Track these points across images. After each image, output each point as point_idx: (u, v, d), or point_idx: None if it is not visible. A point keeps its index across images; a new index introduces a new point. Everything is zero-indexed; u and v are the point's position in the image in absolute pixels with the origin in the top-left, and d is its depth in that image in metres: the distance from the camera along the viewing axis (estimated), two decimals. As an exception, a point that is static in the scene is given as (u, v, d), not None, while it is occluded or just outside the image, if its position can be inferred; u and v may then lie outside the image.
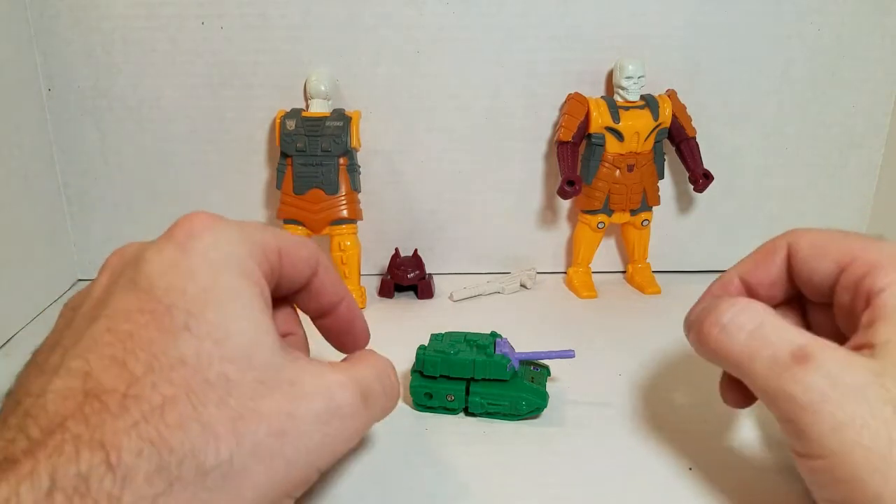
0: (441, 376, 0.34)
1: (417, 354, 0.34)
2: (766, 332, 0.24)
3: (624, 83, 0.48)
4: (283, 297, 0.28)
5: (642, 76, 0.48)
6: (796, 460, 0.24)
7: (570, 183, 0.47)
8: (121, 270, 0.23)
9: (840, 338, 0.26)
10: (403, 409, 0.35)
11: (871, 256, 0.25)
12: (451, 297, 0.50)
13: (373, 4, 0.48)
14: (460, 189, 0.52)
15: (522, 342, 0.37)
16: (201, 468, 0.19)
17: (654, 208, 0.51)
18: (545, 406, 0.34)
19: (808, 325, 0.30)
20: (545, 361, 0.37)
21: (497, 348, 0.34)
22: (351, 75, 0.49)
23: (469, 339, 0.35)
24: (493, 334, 0.35)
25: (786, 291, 0.29)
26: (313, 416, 0.22)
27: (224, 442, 0.20)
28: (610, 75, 0.49)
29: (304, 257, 0.27)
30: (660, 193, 0.51)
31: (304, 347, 0.30)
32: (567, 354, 0.35)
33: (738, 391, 0.28)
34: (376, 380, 0.26)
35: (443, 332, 0.36)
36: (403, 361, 0.39)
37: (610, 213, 0.50)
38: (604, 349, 0.42)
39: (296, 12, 0.48)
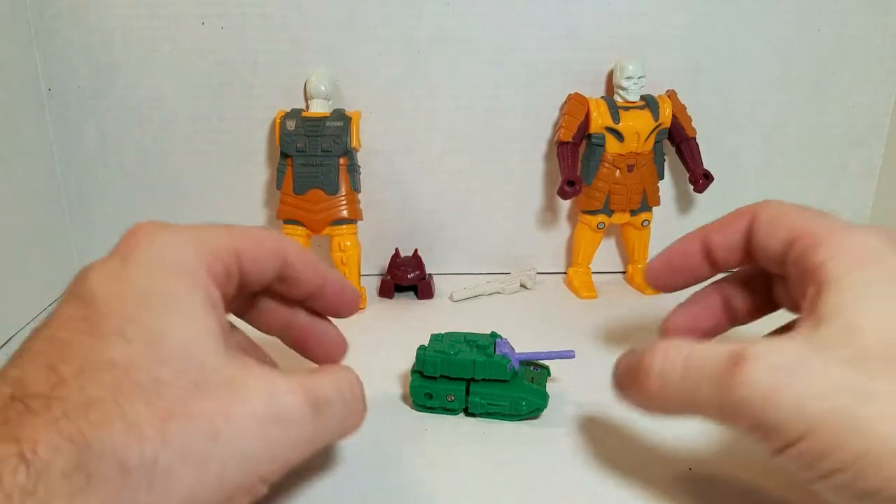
0: (441, 376, 0.34)
1: (417, 355, 0.34)
2: (695, 358, 0.24)
3: (624, 83, 0.48)
4: (261, 292, 0.29)
5: (642, 76, 0.48)
6: (784, 461, 0.23)
7: (571, 183, 0.47)
8: (69, 287, 0.23)
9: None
10: (403, 409, 0.35)
11: (816, 230, 0.25)
12: (451, 298, 0.50)
13: (373, 4, 0.48)
14: (460, 189, 0.52)
15: (522, 342, 0.37)
16: (123, 466, 0.19)
17: (655, 209, 0.51)
18: (545, 406, 0.34)
19: (772, 299, 0.30)
20: (545, 362, 0.37)
21: (497, 349, 0.34)
22: (351, 75, 0.49)
23: (469, 340, 0.35)
24: (493, 335, 0.35)
25: (742, 259, 0.29)
26: (251, 420, 0.22)
27: (150, 442, 0.19)
28: (610, 75, 0.49)
29: (267, 250, 0.27)
30: (660, 194, 0.51)
31: (263, 357, 0.30)
32: (567, 355, 0.35)
33: None
34: (334, 391, 0.25)
35: (443, 332, 0.36)
36: (403, 362, 0.39)
37: (610, 213, 0.50)
38: (604, 349, 0.42)
39: (296, 12, 0.48)
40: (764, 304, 0.31)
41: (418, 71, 0.49)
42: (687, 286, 0.32)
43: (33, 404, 0.19)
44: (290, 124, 0.47)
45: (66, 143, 0.50)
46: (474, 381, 0.34)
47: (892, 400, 0.21)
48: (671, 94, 0.49)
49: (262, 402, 0.22)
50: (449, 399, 0.34)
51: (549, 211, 0.53)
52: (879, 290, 0.23)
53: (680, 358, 0.24)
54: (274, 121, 0.49)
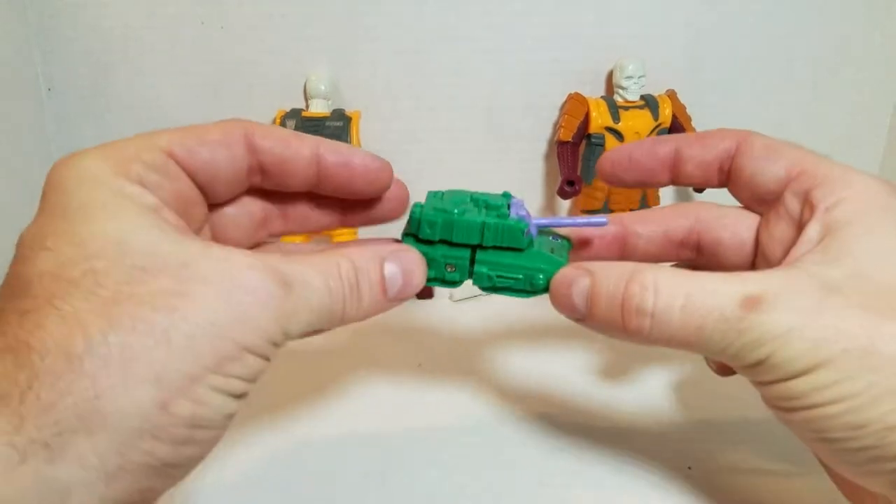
0: (441, 241, 0.27)
1: (412, 214, 0.28)
2: (698, 298, 0.23)
3: (624, 83, 0.48)
4: (252, 190, 0.27)
5: (642, 76, 0.48)
6: (781, 391, 0.22)
7: (570, 183, 0.47)
8: None
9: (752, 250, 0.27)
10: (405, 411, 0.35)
11: (822, 169, 0.25)
12: (451, 298, 0.49)
13: (373, 4, 0.47)
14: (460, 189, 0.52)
15: (523, 342, 0.37)
16: (70, 356, 0.18)
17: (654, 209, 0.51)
18: None
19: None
20: (567, 231, 0.31)
21: (512, 210, 0.28)
22: (351, 75, 0.49)
23: (476, 199, 0.29)
24: (506, 195, 0.30)
25: (712, 178, 0.29)
26: (211, 293, 0.20)
27: (94, 327, 0.18)
28: (610, 75, 0.49)
29: (211, 138, 0.24)
30: (659, 194, 0.51)
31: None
32: (598, 222, 0.29)
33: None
34: (317, 274, 0.23)
35: (442, 190, 0.30)
36: (403, 365, 0.39)
37: (610, 213, 0.50)
38: (604, 349, 0.41)
39: (296, 12, 0.48)
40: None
41: (418, 71, 0.49)
42: (635, 186, 0.31)
43: None
44: (290, 124, 0.47)
45: (66, 143, 0.50)
46: (482, 248, 0.28)
47: None
48: (671, 94, 0.49)
49: (221, 279, 0.20)
50: (449, 269, 0.28)
51: (549, 211, 0.53)
52: (890, 235, 0.23)
53: (678, 297, 0.23)
54: (274, 120, 0.49)
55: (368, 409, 0.35)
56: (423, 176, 0.52)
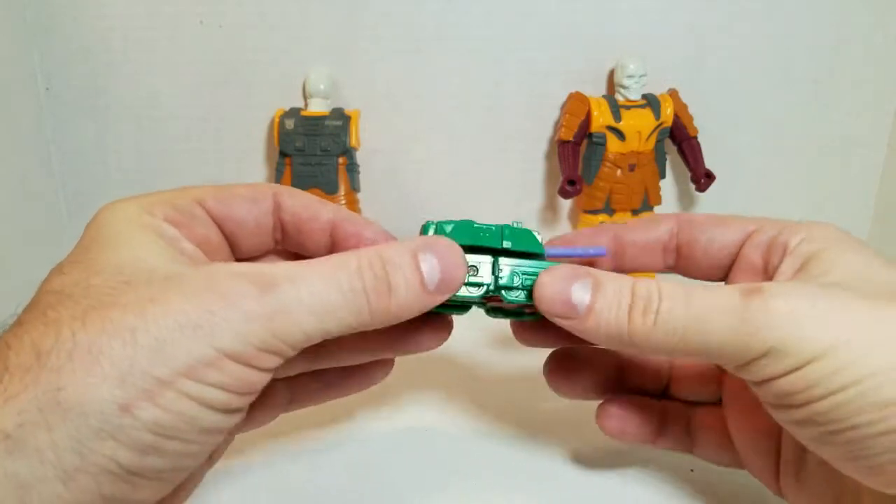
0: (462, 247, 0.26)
1: (424, 229, 0.26)
2: (701, 296, 0.22)
3: (625, 82, 0.47)
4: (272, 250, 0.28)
5: (644, 75, 0.47)
6: (807, 413, 0.21)
7: (571, 182, 0.47)
8: None
9: None
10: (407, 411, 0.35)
11: (777, 223, 0.26)
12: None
13: (373, 4, 0.47)
14: (460, 189, 0.52)
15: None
16: (39, 352, 0.19)
17: (656, 208, 0.51)
18: None
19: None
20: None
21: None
22: (350, 74, 0.49)
23: (480, 225, 0.27)
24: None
25: (654, 261, 0.29)
26: (181, 298, 0.19)
27: (67, 327, 0.19)
28: (611, 74, 0.49)
29: (239, 193, 0.26)
30: (661, 193, 0.51)
31: None
32: (597, 252, 0.29)
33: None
34: (320, 272, 0.21)
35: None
36: (402, 373, 0.38)
37: (611, 212, 0.50)
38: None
39: (295, 11, 0.47)
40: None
41: (418, 70, 0.49)
42: None
43: None
44: (289, 123, 0.47)
45: (64, 143, 0.50)
46: (504, 253, 0.26)
47: None
48: (673, 93, 0.49)
49: (196, 283, 0.20)
50: (471, 273, 0.26)
51: (550, 210, 0.53)
52: (864, 252, 0.24)
53: (681, 297, 0.22)
54: (272, 120, 0.49)
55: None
56: (423, 176, 0.52)
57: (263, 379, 0.21)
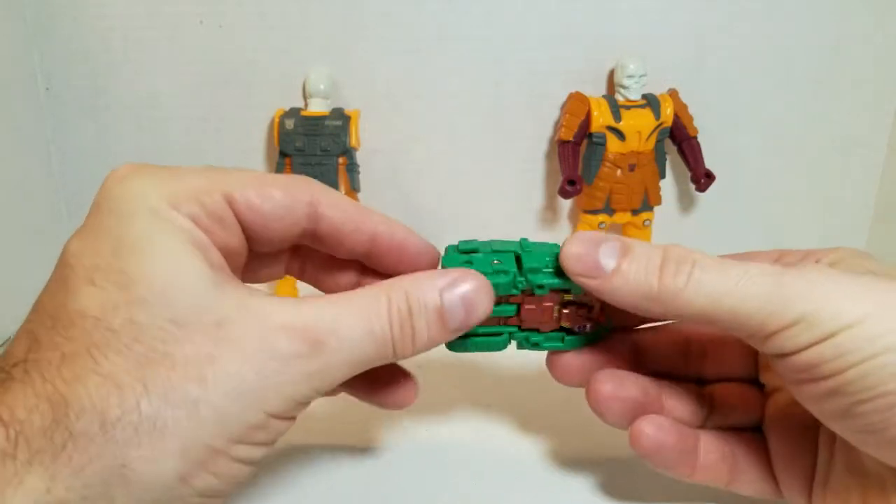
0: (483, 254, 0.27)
1: (447, 255, 0.28)
2: (733, 264, 0.23)
3: (625, 82, 0.47)
4: (297, 250, 0.27)
5: (644, 75, 0.47)
6: (837, 382, 0.21)
7: (571, 182, 0.47)
8: None
9: None
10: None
11: (801, 250, 0.27)
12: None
13: (373, 4, 0.47)
14: (460, 189, 0.52)
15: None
16: (104, 421, 0.18)
17: (656, 208, 0.51)
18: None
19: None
20: None
21: None
22: (350, 74, 0.49)
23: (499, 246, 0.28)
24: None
25: (678, 356, 0.30)
26: (240, 360, 0.20)
27: (129, 390, 0.19)
28: (611, 74, 0.49)
29: (274, 196, 0.23)
30: (661, 193, 0.51)
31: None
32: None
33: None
34: (357, 320, 0.22)
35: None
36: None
37: (611, 213, 0.50)
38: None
39: (295, 11, 0.47)
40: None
41: (418, 70, 0.49)
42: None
43: (14, 372, 0.19)
44: (289, 123, 0.47)
45: (64, 142, 0.50)
46: (524, 252, 0.27)
47: None
48: (673, 93, 0.49)
49: (254, 344, 0.20)
50: (495, 263, 0.26)
51: (550, 210, 0.53)
52: (880, 262, 0.25)
53: (714, 262, 0.23)
54: (272, 120, 0.49)
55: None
56: (423, 175, 0.52)
57: (291, 426, 0.22)
